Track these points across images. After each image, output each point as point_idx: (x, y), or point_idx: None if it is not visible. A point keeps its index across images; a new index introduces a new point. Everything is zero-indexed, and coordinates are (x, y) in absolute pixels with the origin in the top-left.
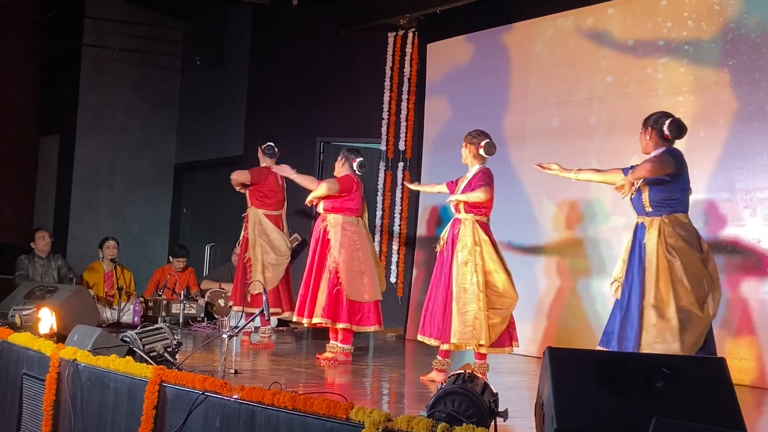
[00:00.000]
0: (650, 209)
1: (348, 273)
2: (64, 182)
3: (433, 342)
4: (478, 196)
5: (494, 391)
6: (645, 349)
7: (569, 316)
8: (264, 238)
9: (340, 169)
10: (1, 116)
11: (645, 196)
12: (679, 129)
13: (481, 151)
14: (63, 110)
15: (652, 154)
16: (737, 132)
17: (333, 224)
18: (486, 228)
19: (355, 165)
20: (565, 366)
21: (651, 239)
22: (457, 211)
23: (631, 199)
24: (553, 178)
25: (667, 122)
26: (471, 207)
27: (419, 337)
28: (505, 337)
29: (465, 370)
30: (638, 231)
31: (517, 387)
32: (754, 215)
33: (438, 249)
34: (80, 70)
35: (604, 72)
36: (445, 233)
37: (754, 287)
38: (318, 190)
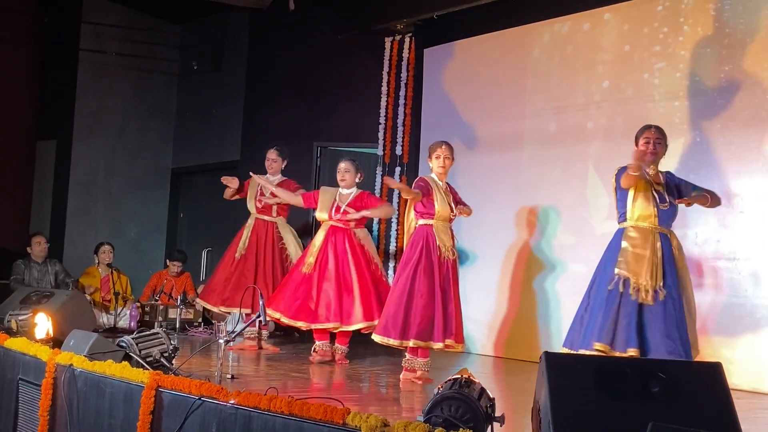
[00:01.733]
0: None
1: None
2: (61, 187)
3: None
4: None
5: (491, 396)
6: None
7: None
8: None
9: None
10: None
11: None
12: None
13: None
14: (60, 115)
15: None
16: (733, 137)
17: None
18: None
19: None
20: (562, 371)
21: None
22: None
23: (664, 210)
24: (551, 182)
25: None
26: None
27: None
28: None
29: (462, 375)
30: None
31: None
32: (751, 220)
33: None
34: (77, 74)
35: (600, 77)
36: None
37: (750, 292)
38: None
